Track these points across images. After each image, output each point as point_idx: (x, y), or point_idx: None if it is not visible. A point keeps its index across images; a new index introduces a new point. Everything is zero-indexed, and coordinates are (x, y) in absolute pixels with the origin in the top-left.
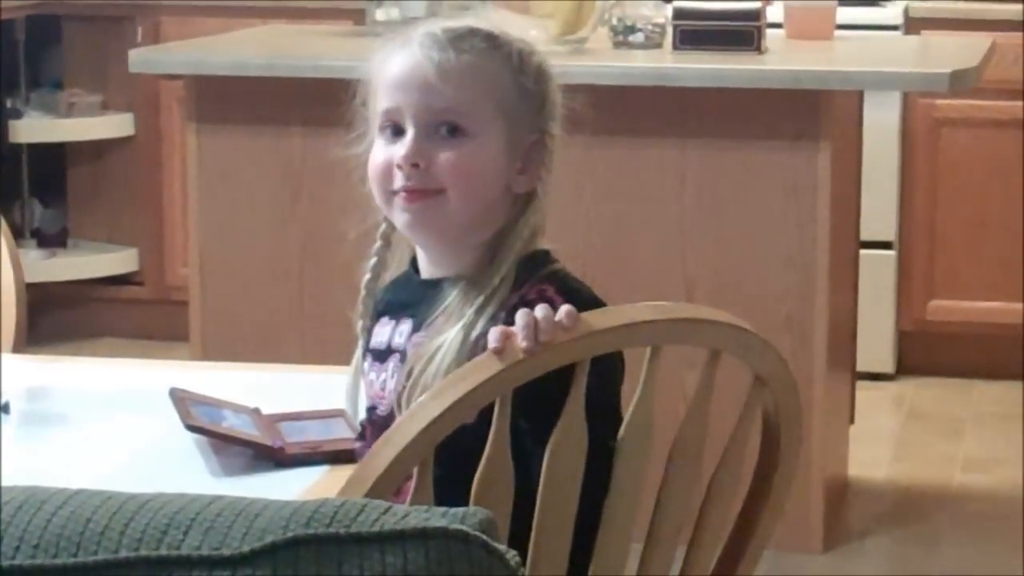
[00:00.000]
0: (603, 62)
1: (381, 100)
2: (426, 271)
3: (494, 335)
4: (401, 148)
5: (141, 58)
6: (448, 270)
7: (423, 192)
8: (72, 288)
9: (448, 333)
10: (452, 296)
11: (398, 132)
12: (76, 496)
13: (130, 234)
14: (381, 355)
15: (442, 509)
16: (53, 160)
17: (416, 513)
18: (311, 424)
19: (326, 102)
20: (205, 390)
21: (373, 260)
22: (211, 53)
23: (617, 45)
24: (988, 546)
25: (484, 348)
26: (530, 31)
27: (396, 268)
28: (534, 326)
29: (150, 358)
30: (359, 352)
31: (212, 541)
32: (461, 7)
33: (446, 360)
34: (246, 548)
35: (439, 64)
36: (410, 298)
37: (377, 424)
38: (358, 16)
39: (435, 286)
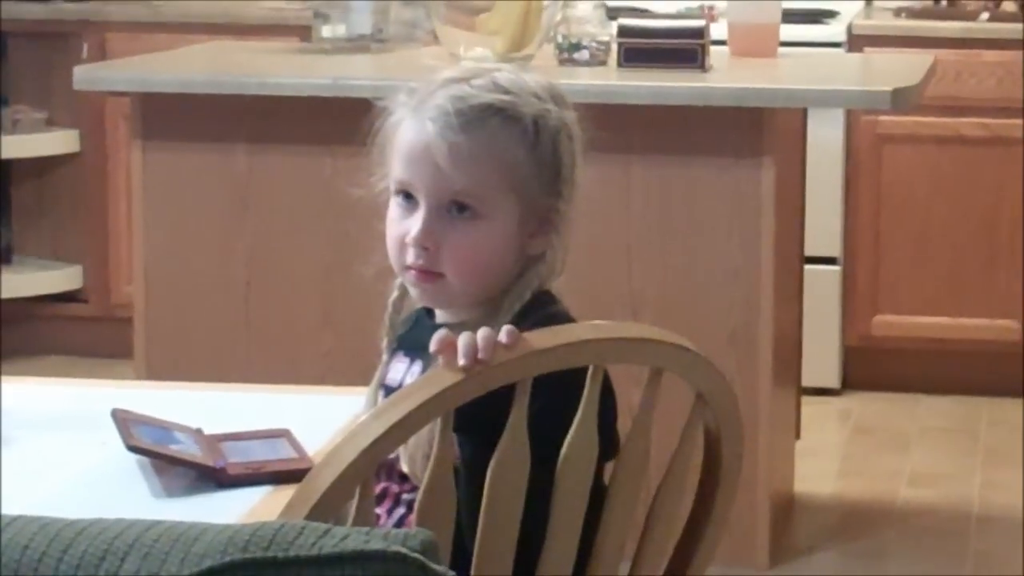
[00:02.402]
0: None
1: (396, 165)
2: (439, 314)
3: (435, 340)
4: (413, 226)
5: (86, 75)
6: (457, 316)
7: (429, 273)
8: (16, 305)
9: None
10: None
11: (411, 198)
12: (14, 523)
13: (75, 251)
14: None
15: (383, 531)
16: None
17: (355, 535)
18: (254, 444)
19: (272, 119)
20: (148, 410)
21: (399, 279)
22: (157, 70)
23: (562, 62)
24: (934, 560)
25: None
26: (476, 48)
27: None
28: (473, 345)
29: (95, 376)
30: (379, 372)
31: (150, 567)
32: (408, 24)
33: None
34: (184, 573)
35: (450, 148)
36: (424, 339)
37: (384, 463)
38: (304, 33)
39: None
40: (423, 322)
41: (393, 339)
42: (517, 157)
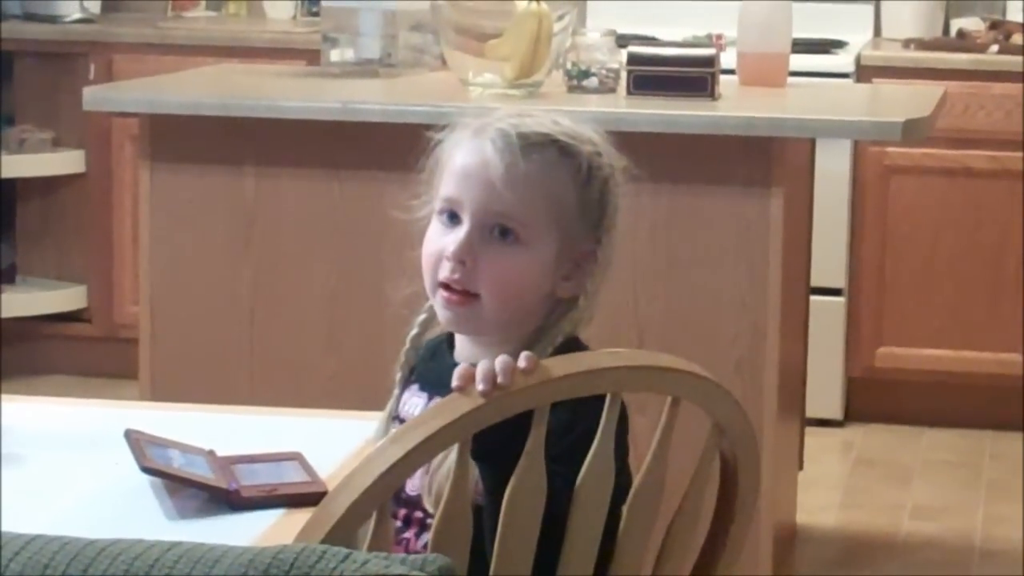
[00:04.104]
0: (557, 106)
1: (445, 184)
2: (461, 354)
3: (456, 375)
4: (452, 241)
5: (95, 96)
6: (481, 359)
7: (461, 294)
8: (20, 325)
9: None
10: None
11: (455, 218)
12: (33, 542)
13: (79, 271)
14: None
15: (401, 556)
16: (3, 196)
17: (376, 560)
18: (266, 467)
19: (280, 142)
20: (157, 431)
21: (423, 316)
22: (165, 92)
23: (571, 89)
24: None
25: None
26: (485, 74)
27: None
28: (491, 371)
29: (98, 396)
30: (391, 404)
31: None
32: (417, 49)
33: None
34: None
35: (507, 168)
36: (442, 375)
37: (404, 501)
38: (312, 57)
39: None
40: (442, 358)
41: (410, 365)
42: (567, 192)
